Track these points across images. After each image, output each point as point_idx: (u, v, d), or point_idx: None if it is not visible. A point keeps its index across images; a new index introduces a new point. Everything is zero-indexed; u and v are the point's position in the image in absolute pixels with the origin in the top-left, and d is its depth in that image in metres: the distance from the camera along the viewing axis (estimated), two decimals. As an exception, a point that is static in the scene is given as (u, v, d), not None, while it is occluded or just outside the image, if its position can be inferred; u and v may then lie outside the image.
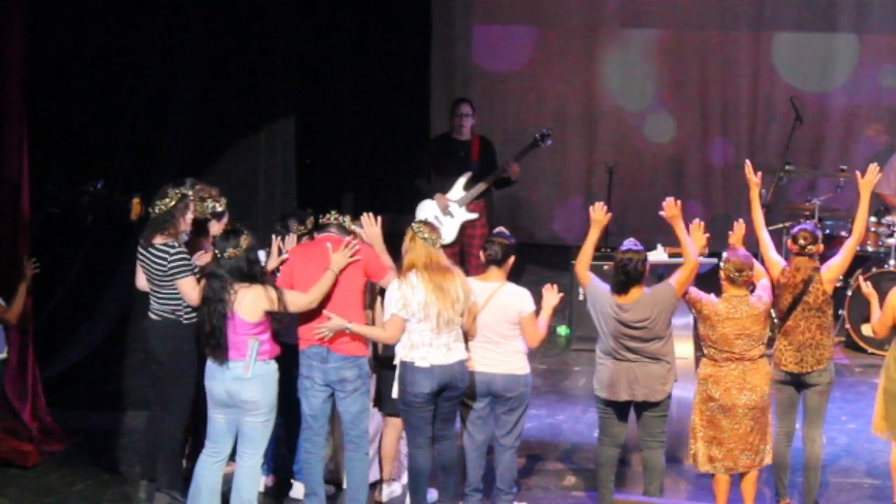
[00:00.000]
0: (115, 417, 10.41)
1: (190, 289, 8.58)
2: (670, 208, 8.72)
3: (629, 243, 8.65)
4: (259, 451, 8.38)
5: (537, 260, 13.71)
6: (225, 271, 8.23)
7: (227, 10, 12.16)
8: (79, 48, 11.52)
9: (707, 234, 8.85)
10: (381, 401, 8.98)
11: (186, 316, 8.69)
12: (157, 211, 8.69)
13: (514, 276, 8.86)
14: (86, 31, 11.54)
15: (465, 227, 12.40)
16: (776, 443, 8.78)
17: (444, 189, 12.36)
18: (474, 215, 12.37)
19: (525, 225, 15.17)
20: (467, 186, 12.37)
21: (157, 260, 8.66)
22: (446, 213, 12.29)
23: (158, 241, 8.66)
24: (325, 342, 8.47)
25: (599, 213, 8.78)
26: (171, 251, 8.63)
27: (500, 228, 8.94)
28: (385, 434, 9.10)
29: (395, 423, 8.94)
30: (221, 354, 8.23)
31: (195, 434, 8.97)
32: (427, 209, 12.32)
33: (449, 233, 12.23)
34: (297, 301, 8.41)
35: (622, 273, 8.52)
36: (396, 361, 8.49)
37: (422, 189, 12.49)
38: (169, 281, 8.65)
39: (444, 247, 11.91)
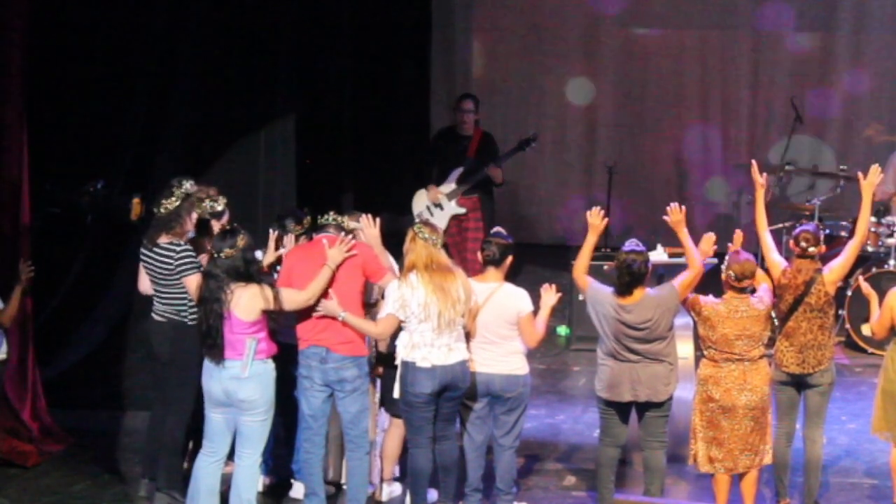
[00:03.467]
0: (115, 417, 10.41)
1: (197, 286, 8.55)
2: (674, 214, 8.71)
3: (631, 244, 8.63)
4: (257, 450, 8.38)
5: (537, 260, 13.71)
6: (221, 271, 8.22)
7: (227, 9, 12.17)
8: (79, 48, 11.52)
9: (715, 247, 8.84)
10: (386, 401, 8.97)
11: (191, 316, 8.67)
12: (161, 211, 8.67)
13: (516, 276, 8.86)
14: (86, 31, 11.55)
15: (461, 221, 12.49)
16: (776, 443, 8.78)
17: (439, 180, 12.56)
18: (462, 210, 12.50)
19: (525, 225, 15.17)
20: (458, 181, 12.47)
21: (162, 259, 8.65)
22: (437, 205, 12.41)
23: (163, 240, 8.65)
24: (322, 342, 8.48)
25: (596, 218, 8.75)
26: (178, 249, 8.62)
27: (498, 228, 8.93)
28: (388, 434, 9.10)
29: (399, 422, 8.93)
30: (218, 354, 8.22)
31: (195, 434, 8.97)
32: (421, 199, 12.60)
33: (438, 223, 12.32)
34: (294, 298, 8.41)
35: (626, 274, 8.50)
36: (398, 361, 8.49)
37: (426, 178, 12.67)
38: (175, 280, 8.64)
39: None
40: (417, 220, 8.60)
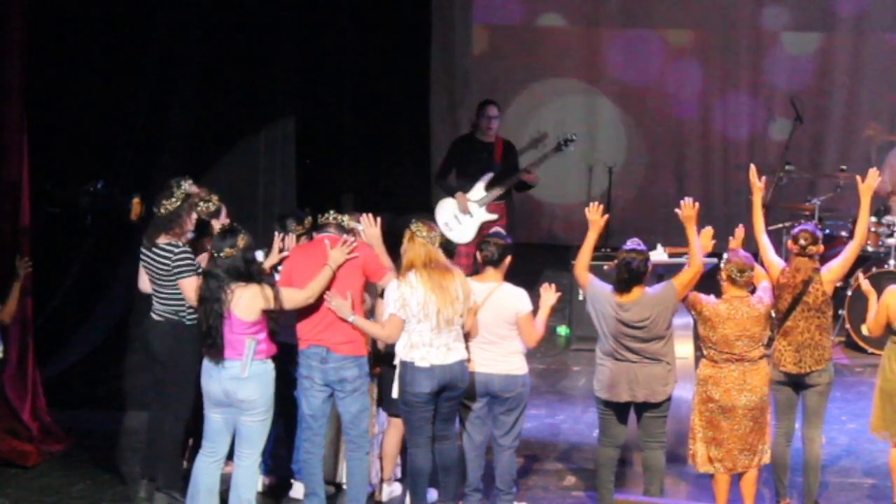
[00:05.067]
0: (115, 417, 10.41)
1: (192, 289, 8.56)
2: (687, 208, 8.69)
3: (632, 243, 8.63)
4: (257, 450, 8.38)
5: (537, 260, 13.70)
6: (221, 271, 8.22)
7: (227, 9, 12.18)
8: (79, 48, 11.53)
9: (714, 241, 8.83)
10: (384, 401, 8.98)
11: (190, 317, 8.67)
12: (162, 211, 8.67)
13: (515, 277, 8.86)
14: (86, 30, 11.56)
15: (486, 227, 12.32)
16: (776, 443, 8.78)
17: (465, 188, 12.34)
18: (493, 216, 12.30)
19: (525, 225, 15.16)
20: (488, 187, 12.31)
21: (161, 260, 8.65)
22: (466, 212, 12.27)
23: (163, 240, 8.66)
24: (323, 342, 8.49)
25: (595, 214, 8.75)
26: (176, 250, 8.62)
27: (497, 229, 8.95)
28: (387, 434, 9.10)
29: (398, 423, 8.93)
30: (218, 354, 8.22)
31: (195, 434, 8.97)
32: (447, 208, 12.35)
33: (468, 232, 12.25)
34: (294, 297, 8.41)
35: (625, 271, 8.51)
36: (396, 361, 8.50)
37: (443, 187, 12.49)
38: (172, 281, 8.65)
39: (462, 245, 12.01)
40: (414, 220, 8.56)
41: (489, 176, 12.32)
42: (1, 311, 9.17)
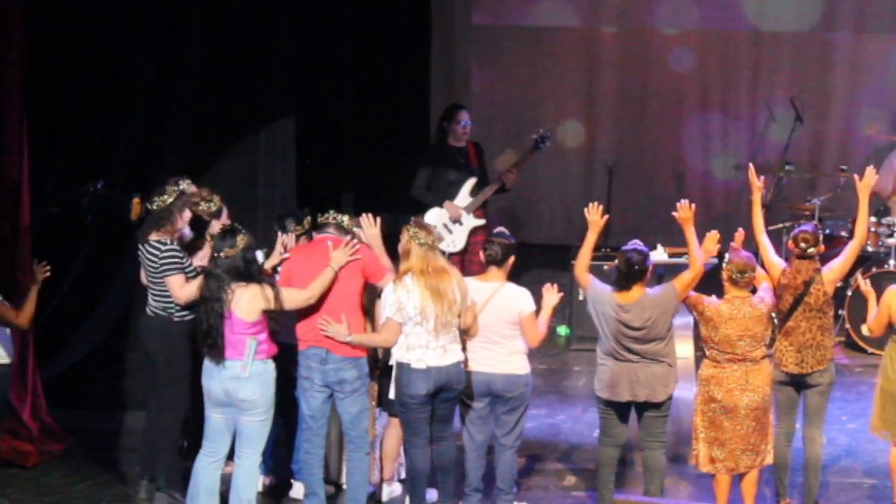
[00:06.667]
0: (115, 417, 10.42)
1: (177, 287, 8.61)
2: (684, 210, 8.70)
3: (634, 244, 8.64)
4: (257, 450, 8.38)
5: (537, 260, 13.70)
6: (222, 271, 8.23)
7: (228, 9, 12.17)
8: (79, 48, 11.53)
9: (718, 245, 8.81)
10: (384, 401, 8.98)
11: (178, 314, 8.74)
12: (154, 207, 8.73)
13: (516, 276, 8.86)
14: (86, 30, 11.55)
15: (475, 233, 12.21)
16: (776, 443, 8.78)
17: (448, 197, 12.18)
18: (481, 221, 12.16)
19: (525, 225, 15.17)
20: (473, 193, 12.23)
21: (149, 256, 8.73)
22: (457, 220, 12.15)
23: (153, 237, 8.73)
24: (322, 343, 8.48)
25: (595, 215, 8.75)
26: (163, 248, 8.67)
27: (501, 228, 8.93)
28: (387, 434, 9.10)
29: (397, 423, 8.93)
30: (218, 354, 8.23)
31: (195, 434, 8.97)
32: (434, 218, 12.10)
33: (459, 240, 12.11)
34: (295, 298, 8.41)
35: (625, 265, 8.50)
36: (392, 362, 8.51)
37: (425, 198, 12.27)
38: (160, 278, 8.70)
39: (453, 254, 11.94)
40: (412, 221, 8.54)
41: (472, 181, 12.21)
42: (18, 316, 9.14)
